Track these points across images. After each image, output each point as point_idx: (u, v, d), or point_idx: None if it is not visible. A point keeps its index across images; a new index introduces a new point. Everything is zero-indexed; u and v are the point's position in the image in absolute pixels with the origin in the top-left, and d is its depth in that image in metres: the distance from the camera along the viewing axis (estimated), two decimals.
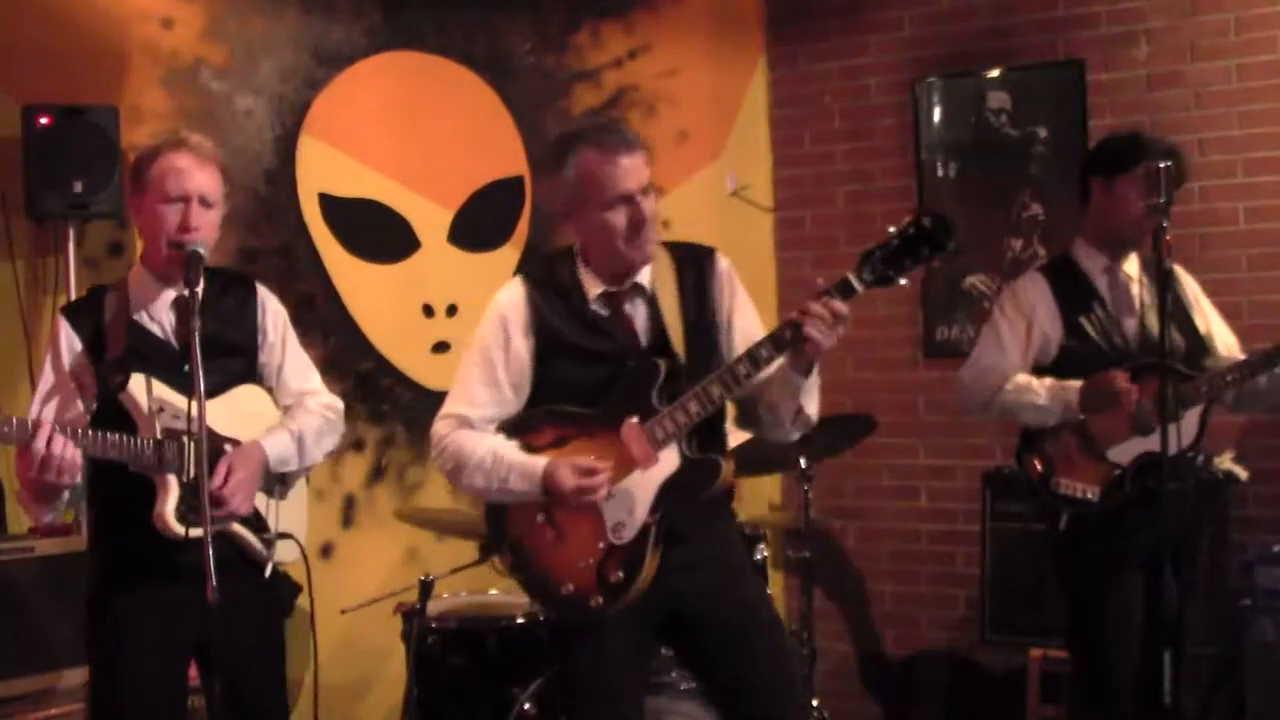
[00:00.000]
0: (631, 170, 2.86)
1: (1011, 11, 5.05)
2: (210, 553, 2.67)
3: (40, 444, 2.75)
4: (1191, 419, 3.43)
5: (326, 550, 4.56)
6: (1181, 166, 3.40)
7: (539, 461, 2.87)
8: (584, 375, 2.92)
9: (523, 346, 2.96)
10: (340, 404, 3.32)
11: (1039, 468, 3.54)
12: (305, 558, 3.17)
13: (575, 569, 2.89)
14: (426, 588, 3.77)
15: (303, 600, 3.29)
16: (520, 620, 3.93)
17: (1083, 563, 3.51)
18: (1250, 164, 4.68)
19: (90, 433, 2.85)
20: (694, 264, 3.02)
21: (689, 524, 2.92)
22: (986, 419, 3.71)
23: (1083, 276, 3.58)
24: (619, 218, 2.87)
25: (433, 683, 3.84)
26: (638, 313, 2.97)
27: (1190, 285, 3.68)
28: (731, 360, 2.85)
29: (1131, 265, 3.58)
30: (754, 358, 2.80)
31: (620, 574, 2.85)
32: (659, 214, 2.92)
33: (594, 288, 2.95)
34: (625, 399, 2.88)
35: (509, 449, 2.93)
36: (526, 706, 3.72)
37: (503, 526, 3.00)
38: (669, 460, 2.87)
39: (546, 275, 3.02)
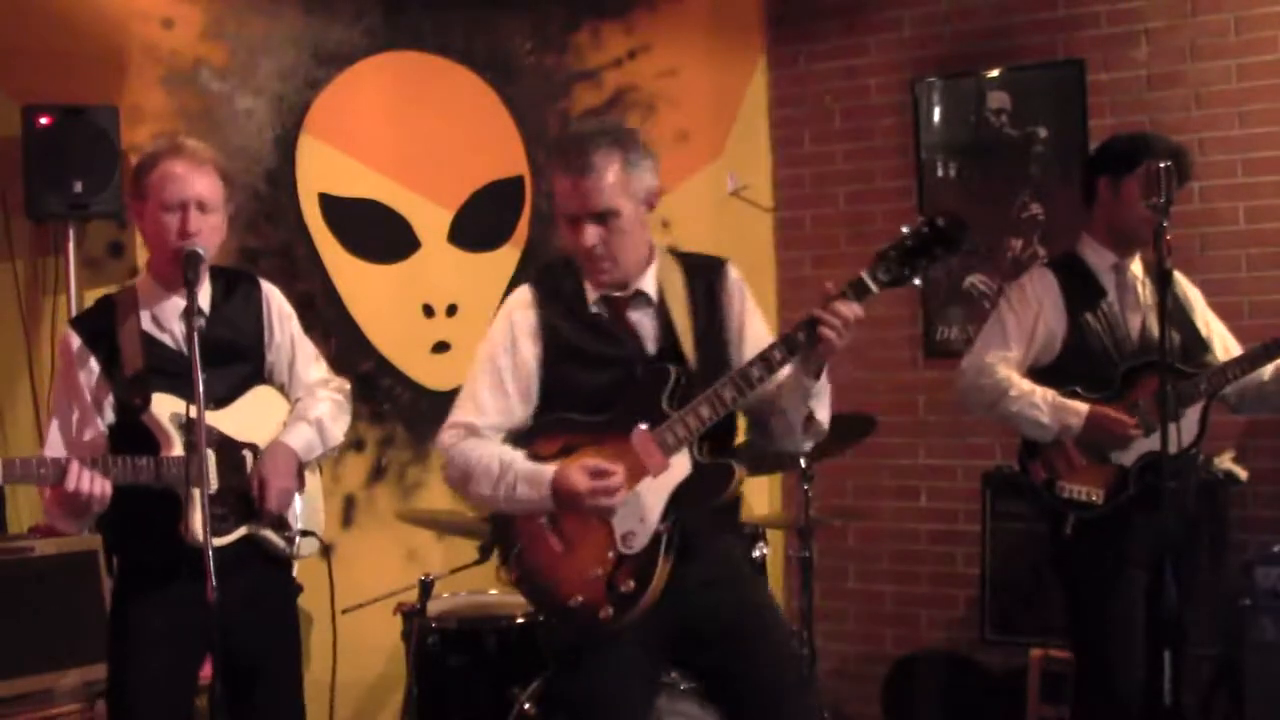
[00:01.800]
0: (572, 194, 2.82)
1: (1011, 11, 5.05)
2: (210, 554, 2.71)
3: (71, 483, 2.79)
4: (1192, 417, 3.45)
5: (326, 550, 4.55)
6: (1185, 165, 3.42)
7: (547, 468, 2.82)
8: (590, 381, 2.89)
9: (529, 353, 2.92)
10: (347, 384, 3.35)
11: (1042, 473, 3.55)
12: (326, 550, 3.22)
13: (584, 580, 2.83)
14: (426, 588, 3.77)
15: (304, 600, 3.29)
16: (520, 620, 3.93)
17: (1088, 565, 3.50)
18: (1250, 164, 4.67)
19: (118, 462, 2.87)
20: (705, 274, 2.99)
21: (699, 537, 2.88)
22: (987, 418, 3.72)
23: (1090, 274, 3.60)
24: (572, 238, 2.86)
25: (433, 683, 3.84)
26: (644, 321, 2.93)
27: (1189, 290, 3.69)
28: (743, 364, 2.82)
29: (1137, 265, 3.60)
30: (767, 360, 2.78)
31: (632, 583, 2.80)
32: (623, 238, 2.84)
33: (593, 291, 2.93)
34: (635, 405, 2.84)
35: (516, 457, 2.88)
36: (526, 706, 3.72)
37: (509, 538, 2.94)
38: (680, 466, 2.83)
39: (551, 281, 2.99)
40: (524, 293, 2.98)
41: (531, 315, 2.94)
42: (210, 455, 2.98)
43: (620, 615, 2.81)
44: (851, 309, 2.71)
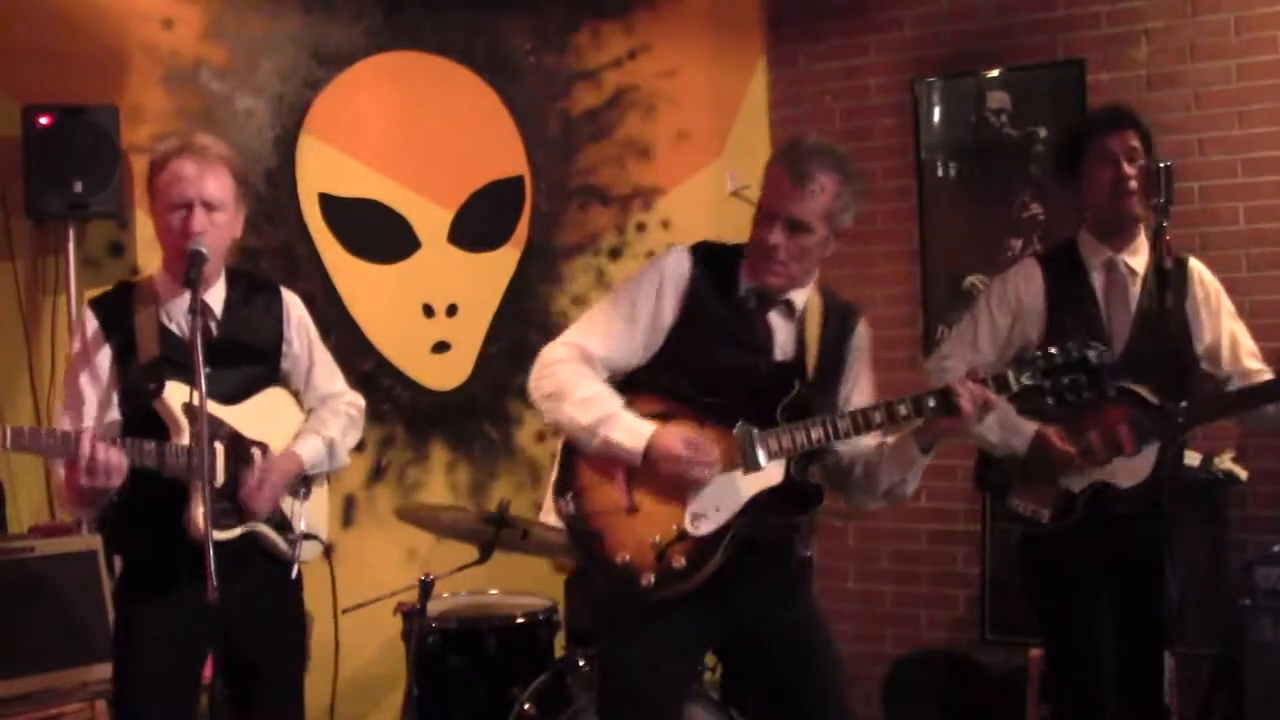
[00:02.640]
0: (782, 194, 2.88)
1: (1011, 11, 5.05)
2: (211, 550, 2.70)
3: (86, 449, 2.77)
4: (1149, 455, 3.31)
5: (326, 550, 4.55)
6: (1127, 114, 3.40)
7: (649, 424, 2.85)
8: (714, 359, 2.92)
9: (670, 309, 2.95)
10: (362, 400, 3.37)
11: (993, 481, 3.54)
12: (327, 550, 3.24)
13: (638, 542, 2.86)
14: (426, 588, 3.77)
15: (304, 600, 3.29)
16: (520, 620, 3.94)
17: (1039, 578, 3.50)
18: (1250, 164, 4.67)
19: (128, 441, 2.87)
20: (841, 315, 3.05)
21: (764, 542, 2.91)
22: None
23: (1082, 269, 3.45)
24: (760, 231, 2.91)
25: (433, 683, 3.84)
26: (782, 326, 2.98)
27: (1206, 286, 3.49)
28: (868, 406, 2.87)
29: (1139, 259, 3.42)
30: (891, 411, 2.84)
31: (683, 562, 2.83)
32: (804, 252, 2.91)
33: (745, 282, 2.97)
34: (749, 401, 2.87)
35: (618, 399, 2.92)
36: (526, 706, 3.72)
37: (574, 472, 2.96)
38: (773, 473, 2.87)
39: (712, 253, 3.02)
40: (684, 251, 3.02)
41: (685, 273, 2.97)
42: (219, 449, 3.00)
43: (660, 587, 2.84)
44: (986, 393, 2.79)
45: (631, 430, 2.85)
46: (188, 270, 2.88)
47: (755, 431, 2.85)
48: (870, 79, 5.34)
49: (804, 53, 5.48)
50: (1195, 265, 3.52)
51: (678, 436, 2.82)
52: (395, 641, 4.03)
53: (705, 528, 2.85)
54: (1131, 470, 3.32)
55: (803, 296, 2.99)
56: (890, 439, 2.97)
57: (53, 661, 3.59)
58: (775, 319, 2.98)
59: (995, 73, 5.09)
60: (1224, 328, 3.49)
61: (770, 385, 2.89)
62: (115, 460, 2.80)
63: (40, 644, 3.59)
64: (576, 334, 2.99)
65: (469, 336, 4.94)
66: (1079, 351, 2.82)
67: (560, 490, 2.99)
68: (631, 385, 2.97)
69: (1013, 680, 4.61)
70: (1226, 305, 3.52)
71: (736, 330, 2.94)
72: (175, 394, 2.94)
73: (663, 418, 2.90)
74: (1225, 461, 4.43)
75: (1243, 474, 4.43)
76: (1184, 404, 3.29)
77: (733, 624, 2.95)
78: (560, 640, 4.09)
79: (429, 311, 4.86)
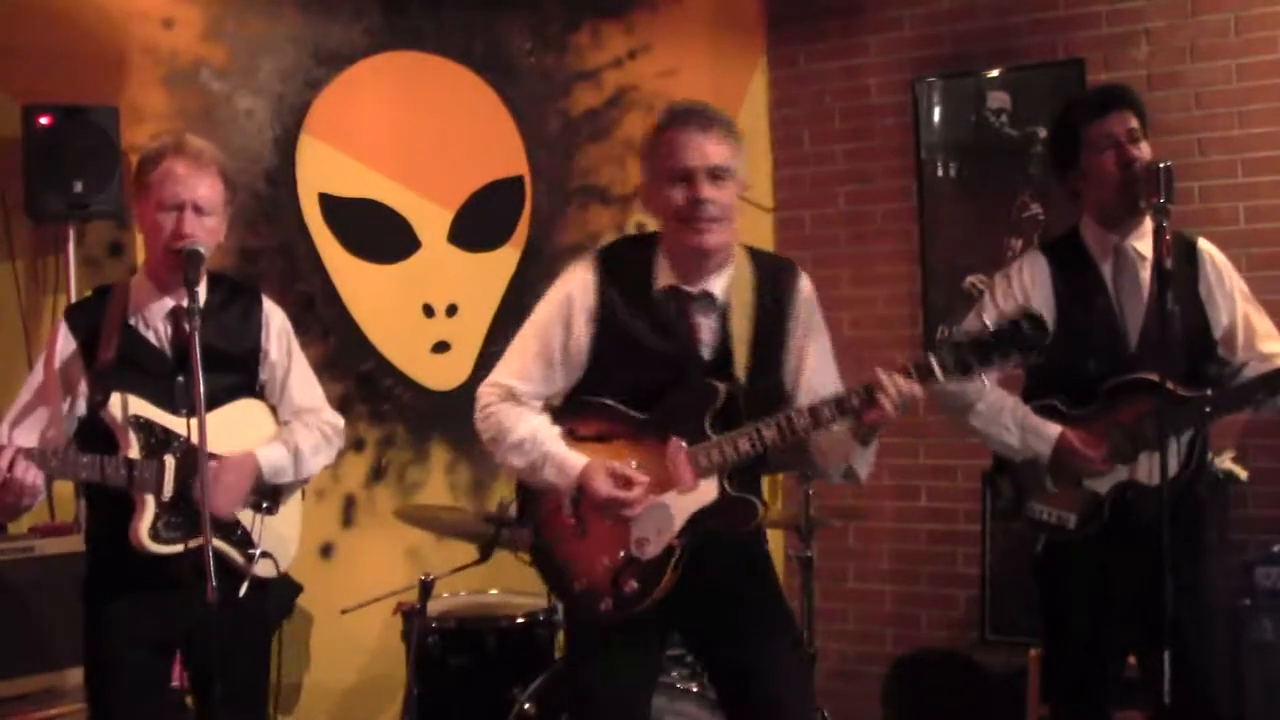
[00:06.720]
0: (698, 146, 2.79)
1: (1011, 11, 5.05)
2: (211, 555, 2.70)
3: (4, 464, 2.73)
4: (1179, 444, 3.17)
5: (326, 550, 4.56)
6: (1120, 95, 3.31)
7: (578, 460, 2.84)
8: (639, 374, 2.86)
9: (584, 332, 2.89)
10: (341, 421, 3.32)
11: (1010, 491, 3.38)
12: (286, 575, 3.17)
13: (592, 568, 2.87)
14: (426, 588, 3.77)
15: (304, 600, 3.29)
16: (520, 620, 3.94)
17: (1062, 587, 3.34)
18: (1250, 164, 4.67)
19: (62, 454, 2.84)
20: (775, 280, 2.94)
21: (717, 553, 2.88)
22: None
23: (1089, 260, 3.31)
24: (677, 193, 2.80)
25: (433, 683, 3.84)
26: (706, 323, 2.89)
27: (1218, 267, 3.33)
28: (795, 408, 2.81)
29: (1145, 243, 3.22)
30: (816, 415, 2.77)
31: (635, 585, 2.83)
32: (731, 204, 2.83)
33: (664, 278, 2.88)
34: (678, 414, 2.83)
35: (550, 436, 2.89)
36: (526, 706, 3.72)
37: (534, 504, 2.98)
38: (707, 490, 2.83)
39: (618, 259, 2.94)
40: (587, 268, 2.92)
41: (591, 294, 2.89)
42: (170, 462, 2.94)
43: (619, 610, 2.85)
44: (911, 387, 2.72)
45: (561, 468, 2.85)
46: (185, 272, 2.87)
47: (684, 448, 2.81)
48: (870, 79, 5.34)
49: (804, 53, 5.48)
50: (1205, 246, 3.36)
51: (602, 474, 2.80)
52: (395, 641, 4.03)
53: (650, 551, 2.83)
54: (1158, 466, 3.06)
55: (722, 283, 2.89)
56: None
57: (53, 661, 3.59)
58: (698, 315, 2.89)
59: (995, 73, 5.10)
60: (1238, 311, 3.32)
61: (701, 392, 2.83)
62: (31, 481, 2.76)
63: (40, 644, 3.59)
64: (502, 373, 2.97)
65: (469, 336, 4.94)
66: (1009, 325, 2.73)
67: (522, 523, 3.03)
68: (571, 406, 2.95)
69: (1013, 680, 4.61)
70: (1240, 287, 3.37)
71: (656, 340, 2.86)
72: (122, 405, 2.90)
73: (599, 439, 2.88)
74: (1225, 461, 4.43)
75: (1243, 474, 4.43)
76: (1210, 392, 3.17)
77: (685, 626, 2.96)
78: (560, 640, 4.09)
79: (429, 311, 4.86)
